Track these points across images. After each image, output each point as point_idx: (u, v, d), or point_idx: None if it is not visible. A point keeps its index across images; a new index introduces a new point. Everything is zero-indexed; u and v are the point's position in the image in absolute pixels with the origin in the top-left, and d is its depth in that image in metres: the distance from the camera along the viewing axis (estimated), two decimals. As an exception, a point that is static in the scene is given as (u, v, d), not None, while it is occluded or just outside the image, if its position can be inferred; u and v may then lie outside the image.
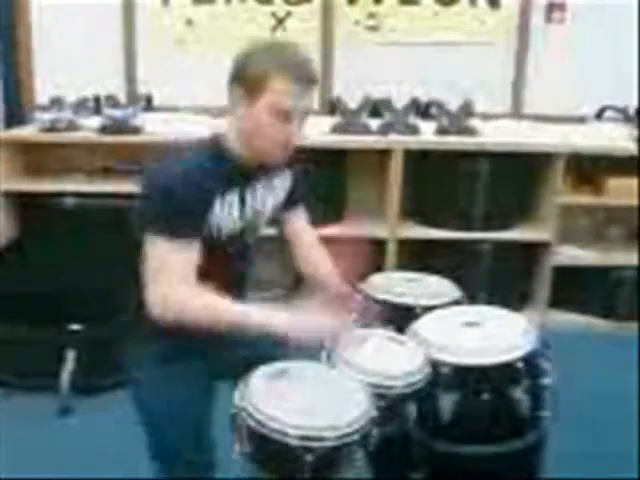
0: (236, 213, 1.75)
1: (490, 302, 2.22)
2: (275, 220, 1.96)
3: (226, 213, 1.72)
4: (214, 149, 1.72)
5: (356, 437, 1.56)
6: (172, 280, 1.63)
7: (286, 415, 1.57)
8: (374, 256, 3.90)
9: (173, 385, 1.80)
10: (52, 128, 3.91)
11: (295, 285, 3.87)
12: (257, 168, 1.77)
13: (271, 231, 2.01)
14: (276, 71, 1.62)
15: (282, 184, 1.91)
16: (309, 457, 1.53)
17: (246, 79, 1.64)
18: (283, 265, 2.09)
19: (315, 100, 4.64)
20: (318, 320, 1.69)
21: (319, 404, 1.63)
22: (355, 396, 1.66)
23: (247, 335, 1.69)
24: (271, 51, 1.70)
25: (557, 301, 3.97)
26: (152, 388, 1.82)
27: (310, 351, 1.74)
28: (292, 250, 2.06)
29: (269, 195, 1.86)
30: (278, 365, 1.76)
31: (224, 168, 1.70)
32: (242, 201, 1.76)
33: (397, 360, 1.84)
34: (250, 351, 1.81)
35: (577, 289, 4.01)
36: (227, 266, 1.79)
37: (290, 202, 1.97)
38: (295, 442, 1.53)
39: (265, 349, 1.79)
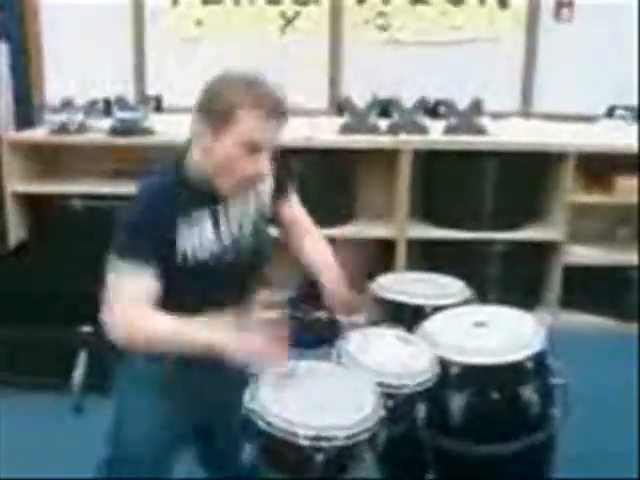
0: (210, 236, 1.70)
1: (500, 302, 2.22)
2: (272, 220, 1.91)
3: (197, 237, 1.68)
4: (178, 174, 1.68)
5: (366, 436, 1.57)
6: (122, 301, 1.62)
7: (295, 415, 1.57)
8: (383, 256, 3.92)
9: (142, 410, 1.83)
10: (62, 130, 3.93)
11: (305, 285, 3.90)
12: (221, 193, 1.71)
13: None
14: (245, 105, 1.58)
15: (261, 191, 1.83)
16: (319, 457, 1.53)
17: (214, 111, 1.60)
18: (291, 266, 2.07)
19: (324, 100, 4.68)
20: (257, 341, 1.61)
21: (328, 404, 1.64)
22: (364, 396, 1.66)
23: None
24: (241, 83, 1.62)
25: (567, 301, 3.95)
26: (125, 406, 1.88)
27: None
28: (289, 240, 2.01)
29: (247, 209, 1.79)
30: (287, 365, 1.77)
31: (188, 193, 1.67)
32: (215, 224, 1.72)
33: (406, 360, 1.84)
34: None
35: (587, 289, 3.99)
36: (209, 290, 1.71)
37: (278, 197, 1.91)
38: (305, 442, 1.54)
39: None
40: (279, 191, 1.91)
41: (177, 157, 1.72)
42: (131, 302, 1.61)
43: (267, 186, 1.86)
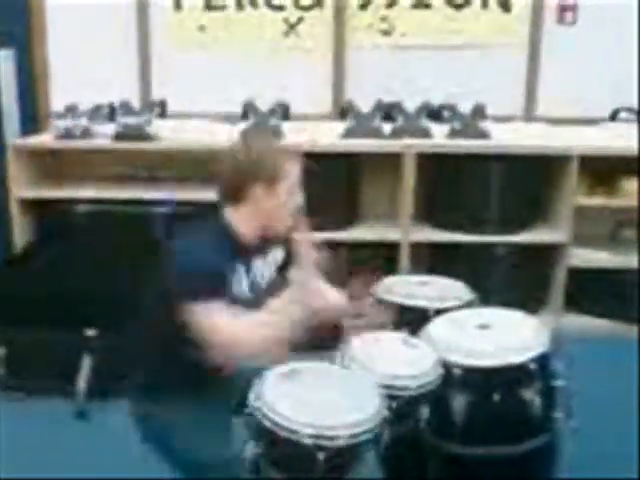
0: (246, 285, 1.92)
1: (504, 305, 2.22)
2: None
3: (238, 287, 1.89)
4: (221, 229, 1.90)
5: (368, 436, 1.58)
6: (226, 329, 1.75)
7: (299, 414, 1.59)
8: (387, 259, 3.92)
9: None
10: (67, 135, 3.95)
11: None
12: (256, 246, 1.94)
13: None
14: (286, 159, 1.89)
15: (274, 258, 2.05)
16: (321, 456, 1.54)
17: (263, 172, 1.85)
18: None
19: (327, 105, 4.69)
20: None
21: (331, 403, 1.65)
22: (367, 396, 1.67)
23: None
24: (272, 143, 2.03)
25: (571, 303, 3.95)
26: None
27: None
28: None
29: (266, 269, 2.01)
30: (291, 365, 1.78)
31: (232, 249, 1.88)
32: (248, 273, 1.93)
33: (410, 362, 1.85)
34: None
35: (591, 291, 3.99)
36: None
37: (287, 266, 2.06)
38: (308, 441, 1.55)
39: None
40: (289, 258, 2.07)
41: (219, 220, 1.92)
42: (231, 324, 1.75)
43: (278, 256, 2.07)
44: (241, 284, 1.91)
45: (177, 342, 1.81)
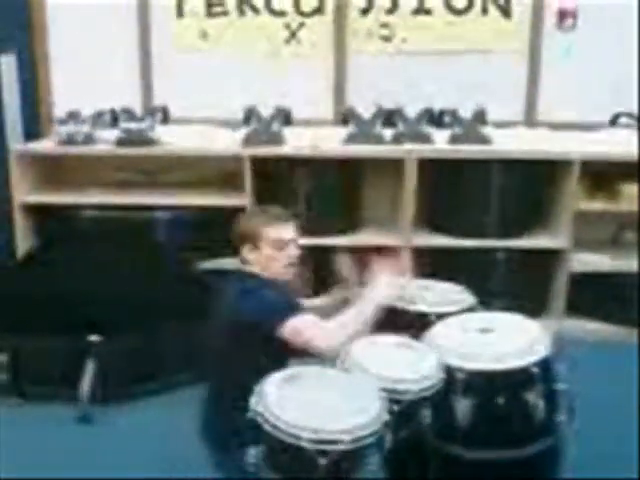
0: None
1: (506, 310, 2.23)
2: None
3: None
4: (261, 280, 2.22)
5: (370, 440, 1.58)
6: (319, 330, 2.00)
7: (300, 419, 1.59)
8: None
9: None
10: (70, 141, 3.96)
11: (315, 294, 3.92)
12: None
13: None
14: (264, 224, 2.20)
15: None
16: (323, 460, 1.55)
17: (247, 237, 2.21)
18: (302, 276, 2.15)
19: (329, 111, 4.69)
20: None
21: (332, 408, 1.65)
22: (368, 400, 1.68)
23: None
24: (255, 213, 2.48)
25: (573, 308, 3.95)
26: None
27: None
28: None
29: None
30: (292, 370, 1.79)
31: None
32: None
33: (412, 365, 1.86)
34: None
35: (592, 295, 4.00)
36: None
37: None
38: (309, 445, 1.55)
39: None
40: None
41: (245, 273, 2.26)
42: (321, 327, 2.02)
43: None
44: None
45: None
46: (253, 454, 1.65)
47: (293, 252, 2.24)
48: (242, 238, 2.23)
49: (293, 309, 2.11)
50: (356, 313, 2.03)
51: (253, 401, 1.68)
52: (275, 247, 2.20)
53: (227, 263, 3.28)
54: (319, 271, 3.86)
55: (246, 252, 2.22)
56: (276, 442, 1.60)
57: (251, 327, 2.05)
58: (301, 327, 2.04)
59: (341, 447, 1.56)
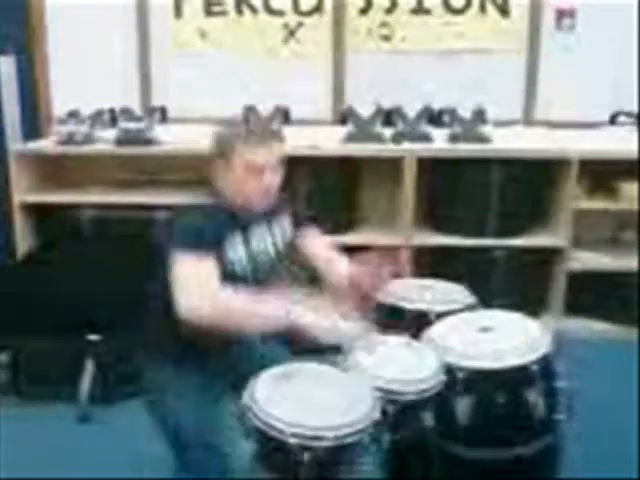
0: (243, 254, 1.99)
1: (505, 308, 2.23)
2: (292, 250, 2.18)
3: (234, 254, 1.96)
4: (214, 204, 2.00)
5: (357, 438, 1.58)
6: (198, 281, 1.81)
7: (286, 414, 1.60)
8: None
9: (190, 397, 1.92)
10: (69, 141, 3.96)
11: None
12: (245, 216, 2.01)
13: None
14: (241, 137, 1.95)
15: (282, 226, 2.15)
16: (306, 456, 1.55)
17: (220, 149, 1.98)
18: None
19: (328, 110, 4.69)
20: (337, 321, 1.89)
21: (322, 405, 1.66)
22: (359, 398, 1.68)
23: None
24: (235, 123, 2.12)
25: (572, 307, 3.95)
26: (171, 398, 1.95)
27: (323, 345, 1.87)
28: (315, 266, 2.25)
29: (271, 237, 2.10)
30: (286, 366, 1.80)
31: (223, 217, 1.97)
32: (246, 243, 2.01)
33: (412, 365, 1.86)
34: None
35: (592, 294, 4.00)
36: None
37: (297, 230, 2.21)
38: (292, 440, 1.56)
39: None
40: (297, 228, 2.21)
41: (210, 192, 2.04)
42: (207, 280, 1.82)
43: (285, 223, 2.17)
44: (236, 252, 1.98)
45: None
46: (245, 449, 1.65)
47: (268, 180, 1.96)
48: (215, 153, 2.00)
49: (202, 246, 1.84)
50: (260, 309, 1.86)
51: (245, 396, 1.69)
52: (248, 170, 1.94)
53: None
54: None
55: (218, 171, 1.99)
56: (264, 437, 1.61)
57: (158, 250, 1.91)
58: (181, 269, 1.83)
59: (325, 444, 1.56)
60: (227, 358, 1.97)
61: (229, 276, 1.90)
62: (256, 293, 1.90)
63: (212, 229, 1.91)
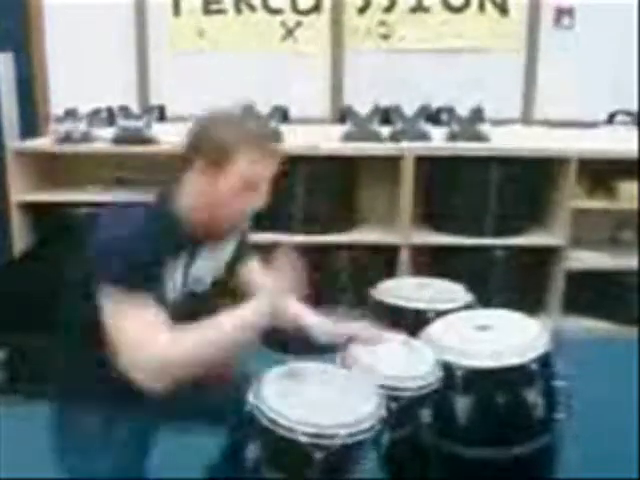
0: (179, 281, 1.67)
1: (503, 307, 2.23)
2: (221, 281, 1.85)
3: (171, 280, 1.64)
4: (164, 214, 1.65)
5: (366, 436, 1.57)
6: (143, 334, 1.51)
7: (296, 413, 1.59)
8: (386, 262, 3.93)
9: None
10: (67, 139, 3.95)
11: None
12: (204, 235, 1.69)
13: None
14: (244, 143, 1.58)
15: (227, 247, 1.84)
16: (318, 455, 1.54)
17: (211, 150, 1.58)
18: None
19: (326, 109, 4.69)
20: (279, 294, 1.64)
21: (329, 403, 1.65)
22: (366, 396, 1.67)
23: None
24: (236, 122, 1.65)
25: (570, 306, 3.95)
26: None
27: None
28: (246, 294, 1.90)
29: (214, 262, 1.78)
30: (291, 365, 1.79)
31: (172, 233, 1.62)
32: (186, 268, 1.68)
33: (410, 363, 1.85)
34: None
35: (590, 293, 4.00)
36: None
37: (241, 258, 1.90)
38: (304, 439, 1.55)
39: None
40: (241, 255, 1.90)
41: (162, 196, 1.70)
42: (153, 335, 1.51)
43: (230, 247, 1.84)
44: (174, 279, 1.64)
45: (90, 342, 1.60)
46: (251, 449, 1.64)
47: (260, 197, 1.62)
48: (198, 154, 1.59)
49: (139, 281, 1.49)
50: (218, 332, 1.56)
51: (250, 395, 1.68)
52: (244, 183, 1.58)
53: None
54: (316, 270, 3.85)
55: (194, 177, 1.60)
56: (272, 436, 1.59)
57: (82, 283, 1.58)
58: (117, 318, 1.50)
59: (337, 442, 1.55)
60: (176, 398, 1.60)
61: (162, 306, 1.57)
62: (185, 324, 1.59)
63: (151, 253, 1.54)
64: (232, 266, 1.87)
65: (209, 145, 1.59)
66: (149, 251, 1.54)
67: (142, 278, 1.52)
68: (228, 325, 1.58)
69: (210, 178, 1.59)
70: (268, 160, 1.62)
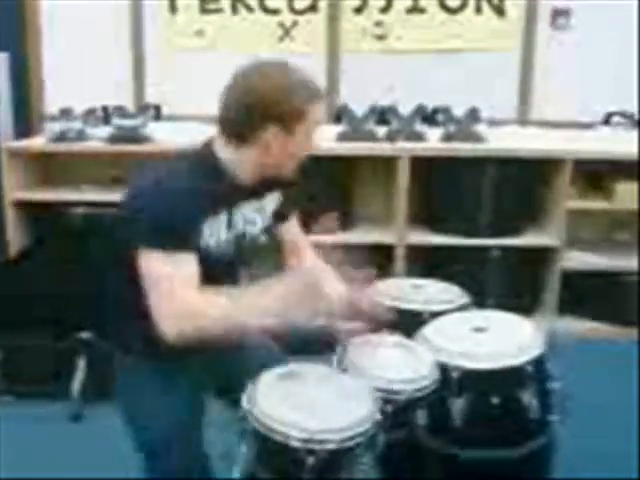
0: (223, 236, 1.70)
1: (498, 308, 2.23)
2: (268, 232, 1.91)
3: (214, 236, 1.67)
4: (207, 166, 1.66)
5: (360, 440, 1.57)
6: (175, 291, 1.55)
7: (289, 417, 1.58)
8: (382, 262, 3.93)
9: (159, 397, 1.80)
10: (62, 138, 3.94)
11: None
12: (250, 189, 1.73)
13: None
14: (312, 97, 1.63)
15: (271, 204, 1.87)
16: (311, 459, 1.53)
17: (286, 114, 1.59)
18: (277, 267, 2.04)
19: (322, 108, 4.66)
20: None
21: (323, 406, 1.64)
22: (360, 400, 1.67)
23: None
24: (296, 77, 1.65)
25: (565, 306, 3.96)
26: (138, 397, 1.85)
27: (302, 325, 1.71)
28: (289, 262, 2.04)
29: (258, 216, 1.81)
30: (286, 368, 1.78)
31: (216, 187, 1.64)
32: (229, 223, 1.71)
33: (406, 365, 1.85)
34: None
35: (586, 294, 4.00)
36: (208, 277, 1.64)
37: (282, 217, 1.95)
38: (297, 444, 1.54)
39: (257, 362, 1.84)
40: (283, 214, 1.95)
41: (204, 149, 1.69)
42: (184, 289, 1.55)
43: (273, 203, 1.89)
44: (220, 234, 1.68)
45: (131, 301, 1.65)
46: (244, 452, 1.64)
47: (312, 146, 1.68)
48: (263, 118, 1.58)
49: (175, 239, 1.54)
50: (258, 302, 1.61)
51: (244, 398, 1.67)
52: (309, 132, 1.63)
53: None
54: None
55: (260, 138, 1.59)
56: (265, 440, 1.59)
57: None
58: (151, 271, 1.55)
59: (329, 447, 1.54)
60: (210, 360, 1.79)
61: (202, 260, 1.62)
62: (234, 276, 1.75)
63: (188, 210, 1.57)
64: (276, 218, 1.91)
65: (284, 110, 1.59)
66: (189, 208, 1.57)
67: (180, 236, 1.56)
68: (261, 298, 1.62)
69: (282, 141, 1.61)
70: (322, 105, 1.67)
